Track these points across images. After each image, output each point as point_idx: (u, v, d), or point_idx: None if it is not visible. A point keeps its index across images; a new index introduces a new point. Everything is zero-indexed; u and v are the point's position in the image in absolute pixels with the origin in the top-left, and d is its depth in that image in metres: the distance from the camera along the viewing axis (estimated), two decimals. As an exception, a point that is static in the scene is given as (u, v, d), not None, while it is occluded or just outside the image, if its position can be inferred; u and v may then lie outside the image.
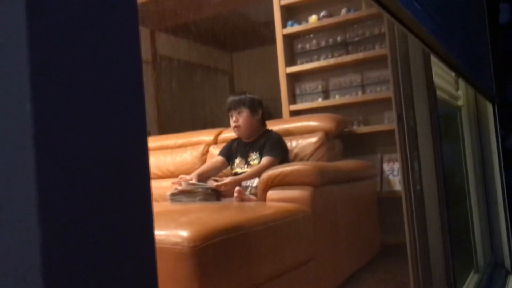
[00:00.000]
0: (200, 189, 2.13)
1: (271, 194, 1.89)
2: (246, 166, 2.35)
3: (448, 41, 1.53)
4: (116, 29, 0.26)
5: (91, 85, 0.24)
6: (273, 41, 3.02)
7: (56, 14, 0.22)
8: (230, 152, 2.45)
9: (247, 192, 2.06)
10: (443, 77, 2.13)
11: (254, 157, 2.34)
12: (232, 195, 2.02)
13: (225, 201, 2.11)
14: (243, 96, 2.40)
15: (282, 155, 2.30)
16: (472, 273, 2.16)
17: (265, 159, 2.24)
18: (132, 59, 0.27)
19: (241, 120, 2.36)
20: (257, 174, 2.13)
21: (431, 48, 1.44)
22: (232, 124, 2.40)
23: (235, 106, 2.38)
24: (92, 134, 0.23)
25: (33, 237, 0.20)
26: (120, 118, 0.25)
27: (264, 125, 2.45)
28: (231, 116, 2.40)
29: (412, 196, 1.62)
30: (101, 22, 0.25)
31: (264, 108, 2.47)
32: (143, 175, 0.27)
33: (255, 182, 2.10)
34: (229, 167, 2.44)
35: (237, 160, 2.40)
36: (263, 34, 3.96)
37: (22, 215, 0.21)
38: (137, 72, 0.27)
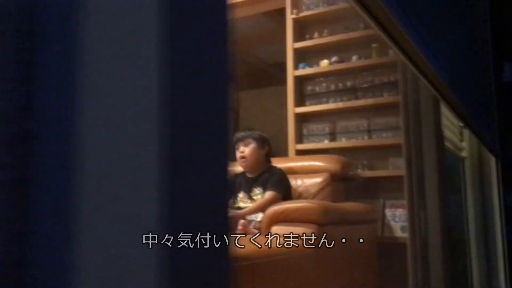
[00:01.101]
0: None
1: (275, 229, 1.89)
2: (249, 201, 2.35)
3: (457, 89, 1.58)
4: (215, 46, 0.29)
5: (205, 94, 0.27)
6: (280, 82, 3.08)
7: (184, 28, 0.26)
8: (233, 186, 2.46)
9: (251, 226, 2.06)
10: (448, 127, 2.17)
11: (257, 192, 2.34)
12: (235, 229, 2.02)
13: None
14: (251, 131, 2.45)
15: (285, 190, 2.31)
16: (470, 327, 2.13)
17: (268, 194, 2.25)
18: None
19: (247, 152, 2.39)
20: (260, 208, 2.14)
21: (441, 93, 1.48)
22: (239, 155, 2.42)
23: (243, 138, 2.42)
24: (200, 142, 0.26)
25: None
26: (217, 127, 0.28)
27: (269, 161, 2.48)
28: (237, 148, 2.43)
29: (417, 243, 1.62)
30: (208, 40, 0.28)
31: (270, 146, 2.50)
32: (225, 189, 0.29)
33: (259, 216, 2.10)
34: (231, 201, 2.45)
35: (241, 195, 2.40)
36: (271, 75, 4.03)
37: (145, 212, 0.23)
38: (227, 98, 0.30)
